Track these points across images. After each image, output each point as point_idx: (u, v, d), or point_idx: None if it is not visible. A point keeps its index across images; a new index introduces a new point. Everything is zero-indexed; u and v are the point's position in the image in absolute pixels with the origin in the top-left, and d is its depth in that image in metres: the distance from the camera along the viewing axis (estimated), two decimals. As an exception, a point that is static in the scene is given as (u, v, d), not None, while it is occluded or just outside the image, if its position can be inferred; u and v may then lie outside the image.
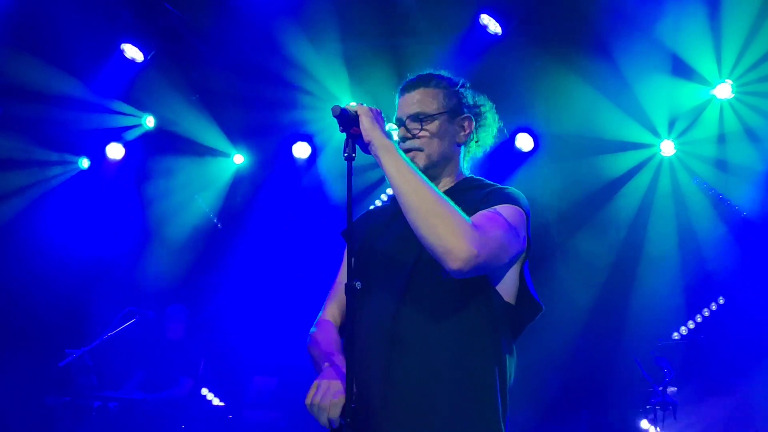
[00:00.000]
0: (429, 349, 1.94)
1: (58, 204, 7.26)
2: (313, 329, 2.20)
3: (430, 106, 2.19)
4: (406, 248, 2.03)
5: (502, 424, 1.97)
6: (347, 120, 1.97)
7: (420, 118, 2.17)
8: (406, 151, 2.11)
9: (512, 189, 2.15)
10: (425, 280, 1.99)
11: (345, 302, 2.12)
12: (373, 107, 2.03)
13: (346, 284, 1.91)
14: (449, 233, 1.81)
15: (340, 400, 1.83)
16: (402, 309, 1.97)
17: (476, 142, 2.32)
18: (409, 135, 2.17)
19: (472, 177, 2.29)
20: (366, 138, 1.96)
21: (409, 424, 1.91)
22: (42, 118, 6.67)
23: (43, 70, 6.11)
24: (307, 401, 1.89)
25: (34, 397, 5.74)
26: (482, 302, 2.01)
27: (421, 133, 2.16)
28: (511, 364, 2.06)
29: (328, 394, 1.85)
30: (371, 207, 2.38)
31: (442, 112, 2.20)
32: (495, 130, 2.38)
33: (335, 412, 1.82)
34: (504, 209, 2.02)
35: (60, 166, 7.43)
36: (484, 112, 2.34)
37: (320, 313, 2.28)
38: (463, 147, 2.28)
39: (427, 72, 2.28)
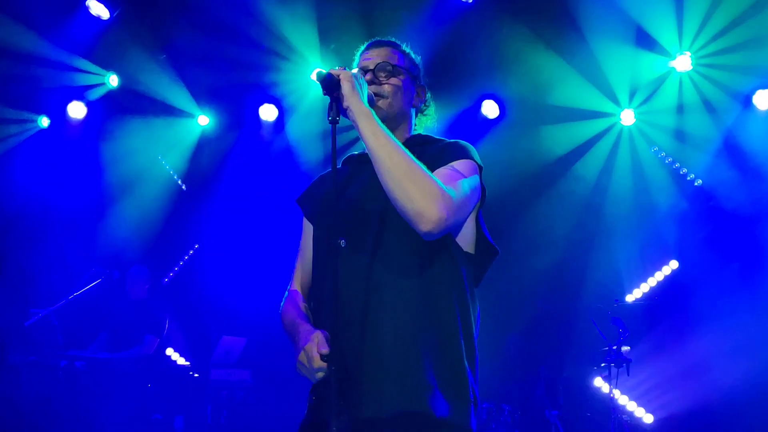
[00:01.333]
0: (400, 298, 2.02)
1: (17, 164, 7.10)
2: (283, 303, 2.28)
3: (398, 62, 2.31)
4: (373, 205, 2.11)
5: (467, 366, 2.04)
6: (330, 84, 2.03)
7: (388, 68, 2.27)
8: (372, 95, 2.19)
9: (463, 142, 2.25)
10: (393, 235, 2.06)
11: (311, 267, 2.23)
12: (354, 71, 2.10)
13: (328, 242, 1.97)
14: (421, 197, 1.91)
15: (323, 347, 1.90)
16: (373, 263, 2.04)
17: (423, 114, 2.45)
18: (376, 81, 2.25)
19: (420, 134, 2.38)
20: (345, 103, 2.02)
21: (384, 369, 1.96)
22: (1, 74, 6.48)
23: (4, 24, 5.93)
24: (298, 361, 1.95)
25: (-1, 356, 5.70)
26: (445, 253, 2.10)
27: (390, 81, 2.26)
28: (474, 311, 2.15)
29: (313, 346, 1.91)
30: (322, 173, 2.44)
31: (408, 71, 2.33)
32: (435, 119, 2.50)
33: (324, 351, 1.88)
34: (461, 165, 2.12)
35: (18, 124, 7.25)
36: (429, 99, 2.47)
37: (289, 285, 2.34)
38: (414, 110, 2.40)
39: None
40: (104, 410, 5.63)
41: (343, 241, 2.04)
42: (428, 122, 2.47)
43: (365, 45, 2.38)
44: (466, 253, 2.17)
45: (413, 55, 2.39)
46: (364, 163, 2.21)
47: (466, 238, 2.17)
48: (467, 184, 2.08)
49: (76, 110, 7.14)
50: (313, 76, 2.08)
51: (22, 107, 7.12)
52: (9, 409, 5.46)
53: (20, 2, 5.74)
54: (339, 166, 2.40)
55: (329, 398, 1.84)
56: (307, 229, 2.34)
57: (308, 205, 2.36)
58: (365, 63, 2.30)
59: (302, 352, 1.93)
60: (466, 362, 2.04)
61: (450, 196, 1.95)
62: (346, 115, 2.05)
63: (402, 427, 1.92)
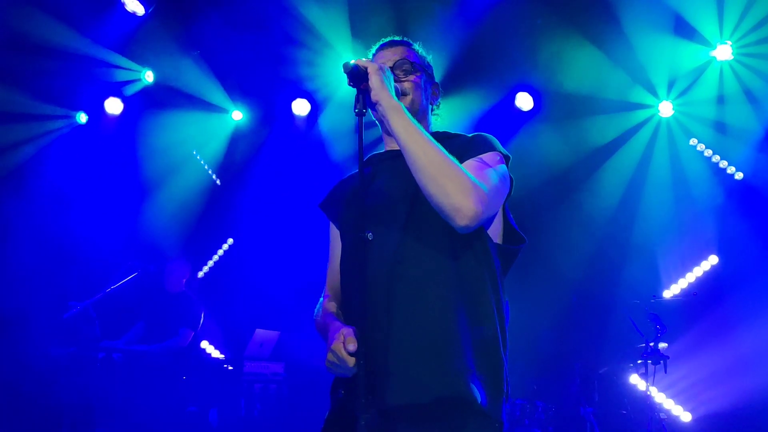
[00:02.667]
0: (431, 288, 2.00)
1: (56, 159, 7.23)
2: (316, 309, 2.30)
3: (417, 60, 2.31)
4: (400, 198, 2.10)
5: (503, 356, 2.02)
6: (357, 76, 2.02)
7: (406, 66, 2.27)
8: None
9: (485, 134, 2.24)
10: (421, 228, 2.05)
11: (340, 269, 2.23)
12: (382, 64, 2.09)
13: (355, 236, 1.97)
14: (457, 192, 1.90)
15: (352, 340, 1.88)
16: (402, 255, 2.02)
17: (433, 113, 2.43)
18: (396, 78, 2.23)
19: (439, 130, 2.36)
20: (374, 98, 2.01)
21: (419, 357, 1.94)
22: (39, 70, 6.59)
23: (42, 21, 6.02)
24: (328, 359, 1.94)
25: (39, 347, 5.81)
26: (475, 244, 2.08)
27: (409, 77, 2.27)
28: (505, 301, 2.14)
29: (340, 344, 1.90)
30: (343, 177, 2.44)
31: (425, 69, 2.34)
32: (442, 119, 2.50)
33: (352, 348, 1.86)
34: (488, 157, 2.12)
35: (57, 120, 7.38)
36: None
37: (322, 292, 2.36)
38: (430, 108, 2.39)
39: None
40: (140, 402, 5.72)
41: (370, 234, 2.03)
42: (438, 121, 2.45)
43: (378, 44, 2.38)
44: (495, 243, 2.16)
45: (425, 54, 2.40)
46: (386, 160, 2.22)
47: (495, 229, 2.17)
48: (497, 176, 2.08)
49: (113, 106, 7.25)
50: (346, 68, 2.09)
51: (61, 104, 7.24)
52: (49, 399, 5.58)
53: (59, 0, 5.82)
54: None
55: (358, 392, 1.82)
56: (334, 233, 2.35)
57: (332, 208, 2.36)
58: (382, 62, 2.27)
59: (330, 353, 1.92)
60: (501, 352, 2.02)
61: (483, 190, 1.95)
62: (373, 109, 2.05)
63: (437, 413, 1.90)
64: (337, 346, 1.89)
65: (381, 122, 2.19)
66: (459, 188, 1.90)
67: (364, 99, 2.03)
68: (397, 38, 2.38)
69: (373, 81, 2.01)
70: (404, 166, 2.07)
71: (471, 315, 2.01)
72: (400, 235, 2.05)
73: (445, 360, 1.94)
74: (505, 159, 2.19)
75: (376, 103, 2.02)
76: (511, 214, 2.20)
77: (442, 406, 1.90)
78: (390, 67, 2.21)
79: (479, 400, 1.92)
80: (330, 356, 1.92)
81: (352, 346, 1.86)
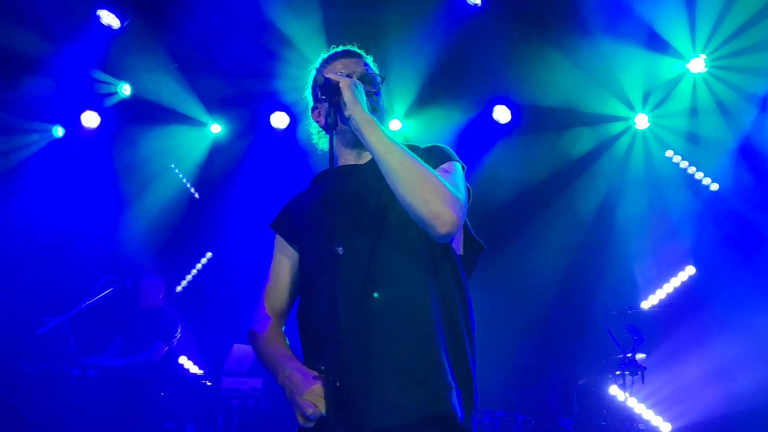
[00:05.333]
0: (405, 302, 1.98)
1: (33, 173, 7.17)
2: (254, 327, 2.26)
3: (373, 72, 2.30)
4: (369, 211, 2.09)
5: (472, 368, 2.02)
6: (330, 90, 2.03)
7: (370, 79, 2.26)
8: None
9: (442, 145, 2.25)
10: (392, 240, 2.04)
11: (287, 290, 2.23)
12: (353, 79, 2.09)
13: (325, 250, 1.93)
14: (436, 200, 1.91)
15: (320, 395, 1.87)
16: (373, 269, 2.01)
17: None
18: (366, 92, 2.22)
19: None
20: (347, 112, 2.01)
21: (399, 375, 1.91)
22: (16, 85, 6.55)
23: (19, 35, 6.00)
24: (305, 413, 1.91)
25: (12, 364, 5.72)
26: (442, 254, 2.08)
27: (373, 91, 2.25)
28: (471, 310, 2.13)
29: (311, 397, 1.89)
30: (293, 195, 2.42)
31: (383, 79, 2.33)
32: None
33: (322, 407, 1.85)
34: (451, 167, 2.14)
35: (34, 134, 7.33)
36: None
37: (258, 308, 2.32)
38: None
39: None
40: (117, 418, 5.63)
41: (341, 248, 2.00)
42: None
43: (332, 52, 2.33)
44: (459, 255, 2.17)
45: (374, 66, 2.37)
46: (345, 174, 2.19)
47: (457, 239, 2.18)
48: (462, 185, 2.10)
49: (90, 119, 7.21)
50: (318, 81, 2.08)
51: (37, 117, 7.19)
52: (22, 417, 5.48)
53: (34, 13, 5.79)
54: (309, 185, 2.40)
55: (329, 414, 1.79)
56: (284, 251, 2.32)
57: (286, 228, 2.32)
58: (344, 71, 2.22)
59: (299, 414, 1.91)
60: (472, 364, 2.03)
61: (459, 197, 1.98)
62: (346, 123, 2.05)
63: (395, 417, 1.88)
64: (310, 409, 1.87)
65: (344, 135, 2.18)
66: (438, 196, 1.91)
67: (336, 113, 2.04)
68: (353, 48, 2.34)
69: (346, 96, 2.02)
70: (367, 179, 2.07)
71: (447, 329, 2.00)
72: (372, 248, 2.03)
73: (428, 379, 1.92)
74: (463, 168, 2.21)
75: (349, 118, 2.02)
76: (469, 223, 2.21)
77: (426, 427, 1.88)
78: (358, 79, 2.20)
79: (459, 416, 1.92)
80: (300, 416, 1.90)
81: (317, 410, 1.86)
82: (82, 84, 6.87)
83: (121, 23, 6.04)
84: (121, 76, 6.99)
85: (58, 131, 7.38)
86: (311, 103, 2.36)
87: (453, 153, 2.22)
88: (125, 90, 7.07)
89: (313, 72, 2.33)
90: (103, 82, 6.96)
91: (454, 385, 1.94)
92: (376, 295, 1.98)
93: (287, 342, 2.18)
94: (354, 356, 1.92)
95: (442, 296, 2.03)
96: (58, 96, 6.90)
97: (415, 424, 1.87)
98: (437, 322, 1.99)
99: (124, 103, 7.16)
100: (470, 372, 2.01)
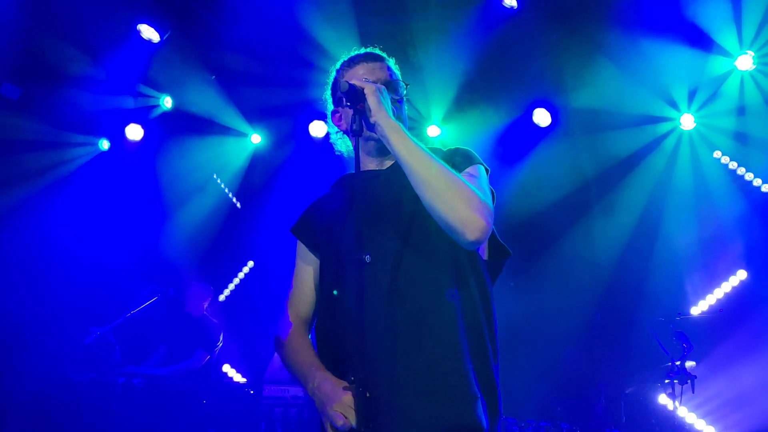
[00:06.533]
0: (432, 310, 1.96)
1: (80, 185, 7.35)
2: (281, 334, 2.21)
3: (397, 78, 2.26)
4: (396, 219, 2.06)
5: (497, 377, 2.01)
6: (354, 96, 2.01)
7: (394, 85, 2.21)
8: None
9: (466, 147, 2.21)
10: (418, 248, 2.02)
11: (312, 296, 2.20)
12: (378, 85, 2.07)
13: (352, 258, 1.91)
14: (464, 206, 1.88)
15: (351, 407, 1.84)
16: (400, 277, 1.98)
17: None
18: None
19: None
20: (372, 118, 2.00)
21: (426, 384, 1.89)
22: (61, 99, 6.72)
23: (62, 51, 6.15)
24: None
25: (60, 374, 5.86)
26: (468, 261, 2.06)
27: (397, 98, 2.21)
28: (495, 315, 2.10)
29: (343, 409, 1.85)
30: (314, 200, 2.37)
31: (407, 85, 2.28)
32: None
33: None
34: (476, 170, 2.12)
35: (81, 147, 7.51)
36: None
37: (284, 314, 2.27)
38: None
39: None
40: (161, 426, 5.71)
41: (368, 256, 1.98)
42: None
43: (353, 54, 2.28)
44: (484, 260, 2.13)
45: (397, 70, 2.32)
46: (368, 179, 2.16)
47: (482, 245, 2.12)
48: (488, 188, 2.07)
49: (134, 132, 7.34)
50: (343, 88, 2.07)
51: (84, 131, 7.37)
52: (69, 426, 5.60)
53: (75, 29, 5.93)
54: (329, 190, 2.36)
55: (359, 425, 1.78)
56: (305, 258, 2.28)
57: (308, 234, 2.28)
58: (368, 77, 2.19)
59: (329, 426, 1.87)
60: (494, 372, 2.01)
61: (487, 203, 1.95)
62: (371, 129, 2.03)
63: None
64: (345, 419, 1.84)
65: (367, 141, 2.15)
66: (466, 203, 1.89)
67: (361, 119, 2.02)
68: (376, 51, 2.30)
69: (371, 102, 2.00)
70: (391, 185, 2.06)
71: (472, 337, 1.98)
72: (398, 256, 2.01)
73: (454, 389, 1.90)
74: (487, 171, 2.17)
75: (374, 124, 2.00)
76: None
77: None
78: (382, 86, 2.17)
79: (485, 426, 1.89)
80: (335, 425, 1.86)
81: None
82: (126, 97, 7.01)
83: (161, 37, 6.14)
84: (162, 89, 7.11)
85: (104, 144, 7.54)
86: (331, 106, 2.33)
87: (477, 156, 2.18)
88: (167, 102, 7.20)
89: (333, 74, 2.30)
90: (146, 95, 7.09)
91: (479, 395, 1.92)
92: (403, 303, 1.96)
93: (314, 350, 2.15)
94: (381, 367, 1.90)
95: (467, 304, 2.00)
96: (103, 110, 7.06)
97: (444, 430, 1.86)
98: (461, 331, 1.96)
99: (167, 115, 7.28)
100: (494, 380, 2.00)
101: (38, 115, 6.83)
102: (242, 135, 7.59)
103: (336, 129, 2.34)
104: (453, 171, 1.95)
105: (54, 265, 6.75)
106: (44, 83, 6.48)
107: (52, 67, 6.29)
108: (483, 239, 1.92)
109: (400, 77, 2.27)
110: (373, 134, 2.05)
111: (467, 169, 2.10)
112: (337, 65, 2.31)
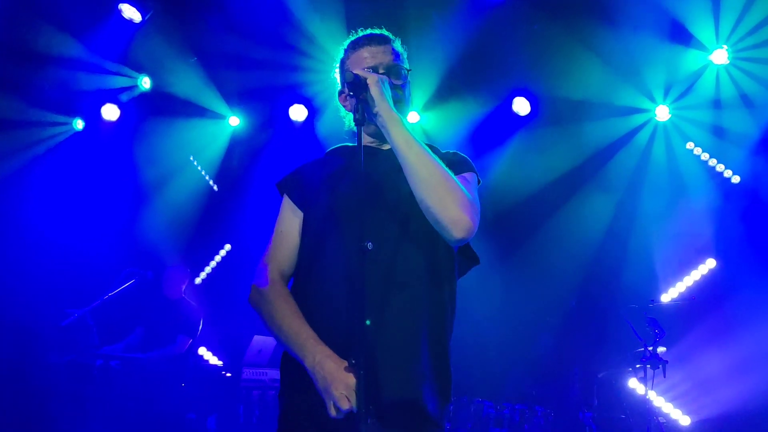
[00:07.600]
0: (423, 297, 2.06)
1: (55, 165, 7.23)
2: (260, 284, 2.17)
3: (405, 62, 2.28)
4: (396, 208, 2.12)
5: (450, 364, 2.11)
6: (358, 86, 2.05)
7: (398, 71, 2.23)
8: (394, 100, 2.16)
9: (463, 155, 2.29)
10: (416, 238, 2.09)
11: (295, 253, 2.20)
12: (380, 76, 2.10)
13: (356, 246, 1.91)
14: (455, 206, 1.96)
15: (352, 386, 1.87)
16: (398, 265, 2.05)
17: None
18: (391, 84, 2.19)
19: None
20: (375, 109, 2.04)
21: (391, 358, 1.97)
22: (37, 78, 6.61)
23: (39, 29, 6.03)
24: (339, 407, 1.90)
25: (36, 355, 5.80)
26: (448, 256, 2.16)
27: (399, 83, 2.23)
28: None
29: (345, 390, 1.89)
30: (307, 162, 2.36)
31: (408, 72, 2.30)
32: None
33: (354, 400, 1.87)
34: (470, 177, 2.21)
35: (55, 127, 7.38)
36: None
37: (263, 262, 2.23)
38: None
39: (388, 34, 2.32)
40: (139, 409, 5.70)
41: (370, 243, 2.02)
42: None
43: (360, 35, 2.28)
44: (457, 255, 2.23)
45: (403, 51, 2.32)
46: (368, 155, 2.09)
47: None
48: (476, 195, 2.15)
49: (110, 112, 7.24)
50: (348, 78, 2.08)
51: (58, 110, 7.23)
52: (47, 407, 5.56)
53: (55, 7, 5.82)
54: (324, 156, 2.40)
55: (360, 407, 1.81)
56: (291, 213, 2.26)
57: (297, 190, 2.27)
58: (373, 62, 2.22)
59: (332, 406, 1.89)
60: (449, 360, 2.10)
61: (476, 206, 2.04)
62: (372, 119, 2.06)
63: (396, 417, 1.94)
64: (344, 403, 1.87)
65: (369, 127, 2.18)
66: (457, 202, 1.96)
67: (363, 108, 2.04)
68: (382, 32, 2.30)
69: (374, 92, 2.04)
70: (388, 169, 2.13)
71: (435, 323, 2.08)
72: (398, 245, 2.08)
73: (408, 363, 2.00)
74: (478, 182, 2.26)
75: (376, 114, 2.04)
76: None
77: (401, 409, 1.96)
78: (384, 72, 2.21)
79: (432, 408, 1.99)
80: (339, 407, 1.88)
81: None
82: (104, 77, 6.90)
83: (143, 17, 6.05)
84: (141, 69, 7.02)
85: (79, 124, 7.42)
86: (338, 86, 2.38)
87: (473, 165, 2.27)
88: (145, 83, 7.11)
89: (341, 54, 2.32)
90: (124, 75, 6.99)
91: (428, 376, 2.01)
92: (398, 290, 2.03)
93: (302, 314, 2.09)
94: (380, 353, 1.96)
95: (443, 295, 2.12)
96: (79, 89, 6.94)
97: (394, 404, 1.94)
98: (429, 315, 2.07)
99: (144, 96, 7.20)
100: (448, 368, 2.09)
101: (13, 93, 6.68)
102: (221, 117, 7.54)
103: (343, 109, 2.39)
104: (448, 170, 2.01)
105: (28, 247, 6.66)
106: (21, 61, 6.34)
107: (30, 45, 6.16)
108: (468, 238, 2.01)
109: (405, 57, 2.29)
110: (376, 123, 2.08)
111: (463, 174, 2.18)
112: (345, 44, 2.32)
